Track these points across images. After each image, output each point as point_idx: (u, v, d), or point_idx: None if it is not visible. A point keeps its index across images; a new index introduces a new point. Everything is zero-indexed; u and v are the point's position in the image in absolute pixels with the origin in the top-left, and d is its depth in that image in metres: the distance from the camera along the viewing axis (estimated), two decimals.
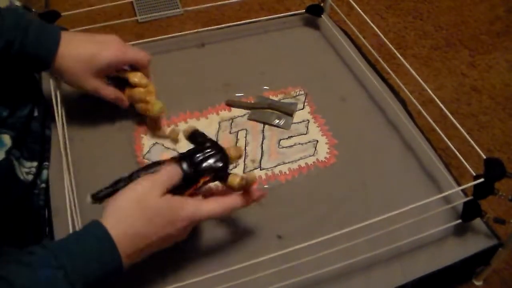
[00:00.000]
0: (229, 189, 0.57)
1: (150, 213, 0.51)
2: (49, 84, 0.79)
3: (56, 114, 0.70)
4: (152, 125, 0.74)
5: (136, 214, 0.50)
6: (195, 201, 0.55)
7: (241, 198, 0.56)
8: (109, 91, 0.70)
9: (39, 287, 0.43)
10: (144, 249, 0.51)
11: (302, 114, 0.80)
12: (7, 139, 0.64)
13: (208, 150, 0.58)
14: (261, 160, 0.73)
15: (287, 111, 0.79)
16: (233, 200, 0.56)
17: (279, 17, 0.98)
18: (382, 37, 0.78)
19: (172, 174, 0.54)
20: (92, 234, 0.48)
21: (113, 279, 0.48)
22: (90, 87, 0.68)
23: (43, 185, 0.67)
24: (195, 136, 0.61)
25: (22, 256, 0.45)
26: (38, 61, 0.64)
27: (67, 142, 0.69)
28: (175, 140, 0.73)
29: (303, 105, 0.81)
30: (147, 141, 0.74)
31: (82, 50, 0.65)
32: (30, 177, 0.66)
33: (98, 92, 0.69)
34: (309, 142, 0.76)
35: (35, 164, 0.67)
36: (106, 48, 0.67)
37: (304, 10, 0.96)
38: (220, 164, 0.57)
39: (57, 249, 0.46)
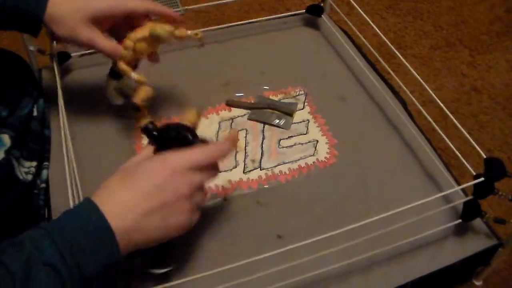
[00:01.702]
0: None
1: (129, 171, 0.51)
2: (49, 84, 0.79)
3: (60, 113, 0.70)
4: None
5: (118, 179, 0.51)
6: (174, 152, 0.52)
7: (222, 143, 0.55)
8: (106, 43, 0.63)
9: (28, 259, 0.42)
10: (133, 208, 0.48)
11: (302, 114, 0.80)
12: (6, 138, 0.64)
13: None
14: (261, 160, 0.73)
15: (287, 111, 0.79)
16: (216, 146, 0.54)
17: (279, 17, 0.98)
18: (382, 37, 0.78)
19: None
20: (78, 206, 0.48)
21: (103, 243, 0.46)
22: (84, 37, 0.62)
23: (43, 185, 0.67)
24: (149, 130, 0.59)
25: (15, 238, 0.44)
26: (29, 14, 0.61)
27: (69, 140, 0.69)
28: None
29: (303, 105, 0.81)
30: (147, 140, 0.74)
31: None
32: (29, 177, 0.66)
33: (93, 43, 0.62)
34: (309, 142, 0.76)
35: (34, 164, 0.67)
36: None
37: (304, 10, 0.96)
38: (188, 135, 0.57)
39: (47, 225, 0.45)
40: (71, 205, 0.57)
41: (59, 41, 0.69)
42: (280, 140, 0.76)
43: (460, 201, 0.63)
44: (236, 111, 0.80)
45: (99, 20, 0.63)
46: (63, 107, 0.69)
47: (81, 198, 0.58)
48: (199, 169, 0.52)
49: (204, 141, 0.57)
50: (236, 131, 0.58)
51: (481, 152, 0.62)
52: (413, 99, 0.76)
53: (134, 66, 0.67)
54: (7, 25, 0.63)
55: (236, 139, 0.56)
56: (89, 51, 0.83)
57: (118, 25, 0.65)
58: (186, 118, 0.58)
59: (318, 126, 0.78)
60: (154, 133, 0.58)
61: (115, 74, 0.67)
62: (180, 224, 0.51)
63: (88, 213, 0.46)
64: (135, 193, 0.48)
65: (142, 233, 0.48)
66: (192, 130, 0.57)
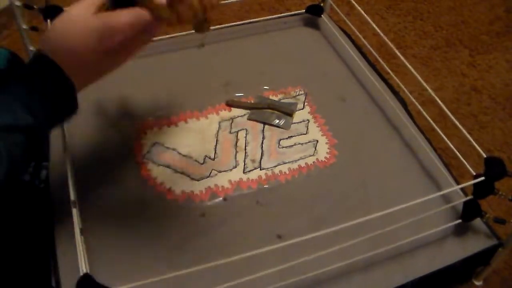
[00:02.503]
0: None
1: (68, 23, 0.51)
2: None
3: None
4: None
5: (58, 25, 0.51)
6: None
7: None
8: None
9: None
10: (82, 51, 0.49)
11: (302, 114, 0.80)
12: None
13: None
14: (261, 160, 0.73)
15: (287, 111, 0.79)
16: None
17: (279, 17, 0.98)
18: (383, 36, 0.78)
19: None
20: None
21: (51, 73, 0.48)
22: None
23: (42, 185, 0.67)
24: None
25: None
26: None
27: (66, 141, 0.69)
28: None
29: (303, 105, 0.81)
30: (147, 141, 0.74)
31: None
32: (27, 177, 0.66)
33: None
34: (309, 142, 0.76)
35: (32, 164, 0.67)
36: None
37: (304, 10, 0.97)
38: None
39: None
40: (71, 204, 0.57)
41: None
42: (280, 140, 0.76)
43: (460, 201, 0.63)
44: (236, 111, 0.80)
45: None
46: None
47: (79, 198, 0.58)
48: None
49: None
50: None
51: (481, 152, 0.62)
52: (413, 99, 0.76)
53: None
54: None
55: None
56: None
57: None
58: None
59: (318, 126, 0.78)
60: None
61: None
62: (124, 58, 0.53)
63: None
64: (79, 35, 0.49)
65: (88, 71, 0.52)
66: None
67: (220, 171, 0.71)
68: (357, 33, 0.88)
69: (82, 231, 0.55)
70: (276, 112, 0.79)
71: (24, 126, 0.46)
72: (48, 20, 0.78)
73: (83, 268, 0.50)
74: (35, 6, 0.78)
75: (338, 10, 0.93)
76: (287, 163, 0.73)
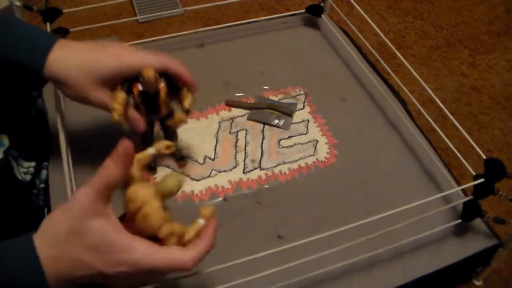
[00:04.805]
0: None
1: (86, 241, 0.44)
2: (48, 84, 0.78)
3: (57, 114, 0.70)
4: None
5: (66, 235, 0.46)
6: (144, 245, 0.45)
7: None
8: None
9: None
10: (75, 277, 0.44)
11: (302, 114, 0.80)
12: (5, 139, 0.64)
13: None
14: (261, 160, 0.73)
15: (287, 111, 0.79)
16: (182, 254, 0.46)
17: (279, 17, 0.98)
18: (383, 37, 0.78)
19: (108, 175, 0.47)
20: (20, 244, 0.46)
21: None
22: (96, 99, 0.59)
23: (42, 185, 0.67)
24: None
25: None
26: (27, 65, 0.57)
27: (67, 141, 0.69)
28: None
29: (303, 105, 0.81)
30: None
31: (79, 56, 0.57)
32: (28, 177, 0.65)
33: (107, 106, 0.59)
34: (309, 142, 0.76)
35: (33, 164, 0.67)
36: (107, 53, 0.58)
37: (304, 10, 0.96)
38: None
39: None
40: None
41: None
42: (280, 140, 0.76)
43: (460, 201, 0.63)
44: (236, 111, 0.80)
45: (109, 81, 0.59)
46: (62, 106, 0.69)
47: None
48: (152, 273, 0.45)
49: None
50: None
51: (481, 152, 0.62)
52: (413, 99, 0.76)
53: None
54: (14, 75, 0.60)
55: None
56: None
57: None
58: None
59: (318, 126, 0.78)
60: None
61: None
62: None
63: (25, 257, 0.45)
64: (78, 259, 0.44)
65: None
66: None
67: (220, 171, 0.71)
68: (357, 33, 0.88)
69: None
70: (276, 112, 0.79)
71: None
72: (48, 23, 0.78)
73: None
74: (34, 7, 0.78)
75: (338, 10, 0.93)
76: (287, 163, 0.73)
